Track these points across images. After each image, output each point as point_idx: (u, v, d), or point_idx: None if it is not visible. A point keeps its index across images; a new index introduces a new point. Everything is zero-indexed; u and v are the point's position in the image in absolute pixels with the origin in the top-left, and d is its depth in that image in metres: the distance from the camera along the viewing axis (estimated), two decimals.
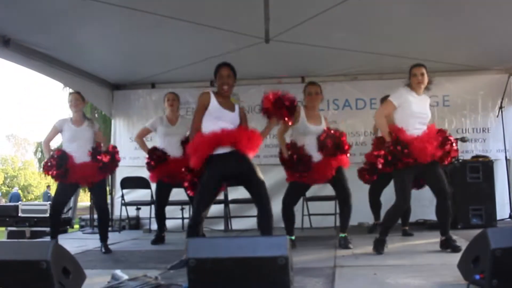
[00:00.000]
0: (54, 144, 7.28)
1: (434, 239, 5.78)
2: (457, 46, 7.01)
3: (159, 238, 6.68)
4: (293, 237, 5.76)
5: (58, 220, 6.09)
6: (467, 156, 7.66)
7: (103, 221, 6.08)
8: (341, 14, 5.62)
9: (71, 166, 5.78)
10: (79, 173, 5.80)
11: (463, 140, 7.00)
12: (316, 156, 5.62)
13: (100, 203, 6.04)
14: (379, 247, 5.09)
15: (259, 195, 4.57)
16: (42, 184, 45.72)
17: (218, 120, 4.62)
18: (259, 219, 4.60)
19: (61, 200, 6.02)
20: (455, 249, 4.84)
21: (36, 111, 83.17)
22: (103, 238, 6.00)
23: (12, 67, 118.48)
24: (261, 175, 4.62)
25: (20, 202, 16.46)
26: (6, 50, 6.23)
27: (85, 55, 7.40)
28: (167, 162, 6.42)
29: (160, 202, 6.67)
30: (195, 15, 5.68)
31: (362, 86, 8.56)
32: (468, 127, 8.31)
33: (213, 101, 4.65)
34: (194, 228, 4.54)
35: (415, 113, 5.06)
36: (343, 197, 5.78)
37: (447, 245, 5.01)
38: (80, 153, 5.86)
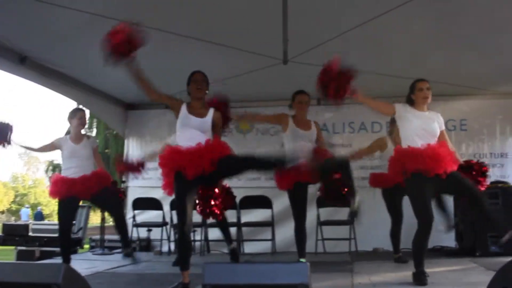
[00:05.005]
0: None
1: (453, 266, 5.66)
2: (475, 69, 6.91)
3: None
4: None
5: (67, 242, 5.96)
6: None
7: (122, 226, 6.09)
8: (359, 37, 5.58)
9: (70, 182, 5.74)
10: (80, 186, 5.74)
11: None
12: None
13: (114, 209, 6.02)
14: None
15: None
16: (52, 203, 45.81)
17: (184, 127, 4.58)
18: None
19: (66, 218, 5.87)
20: None
21: (48, 130, 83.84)
22: (126, 244, 5.92)
23: (27, 85, 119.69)
24: None
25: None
26: (22, 68, 6.23)
27: (101, 75, 7.35)
28: None
29: None
30: (212, 34, 5.65)
31: None
32: (486, 151, 8.18)
33: (183, 109, 4.62)
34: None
35: (418, 129, 4.74)
36: None
37: None
38: (79, 169, 5.83)
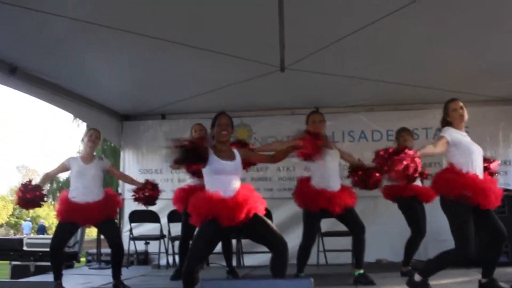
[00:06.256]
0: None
1: (460, 278, 5.50)
2: (476, 76, 6.80)
3: (180, 273, 6.35)
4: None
5: (59, 261, 5.71)
6: None
7: (118, 258, 5.81)
8: (357, 43, 5.44)
9: (75, 208, 5.56)
10: (83, 215, 5.57)
11: None
12: (334, 186, 5.54)
13: (113, 240, 5.75)
14: None
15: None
16: (51, 216, 45.57)
17: (218, 174, 4.35)
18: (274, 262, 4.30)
19: (61, 238, 5.68)
20: None
21: (46, 142, 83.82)
22: (117, 275, 5.74)
23: (23, 97, 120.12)
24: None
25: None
26: (12, 78, 6.07)
27: (94, 85, 7.23)
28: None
29: (187, 233, 6.18)
30: (208, 41, 5.49)
31: (378, 117, 8.32)
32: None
33: (212, 156, 4.37)
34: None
35: (475, 153, 4.68)
36: (356, 232, 5.66)
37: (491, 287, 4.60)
38: (86, 189, 5.64)
